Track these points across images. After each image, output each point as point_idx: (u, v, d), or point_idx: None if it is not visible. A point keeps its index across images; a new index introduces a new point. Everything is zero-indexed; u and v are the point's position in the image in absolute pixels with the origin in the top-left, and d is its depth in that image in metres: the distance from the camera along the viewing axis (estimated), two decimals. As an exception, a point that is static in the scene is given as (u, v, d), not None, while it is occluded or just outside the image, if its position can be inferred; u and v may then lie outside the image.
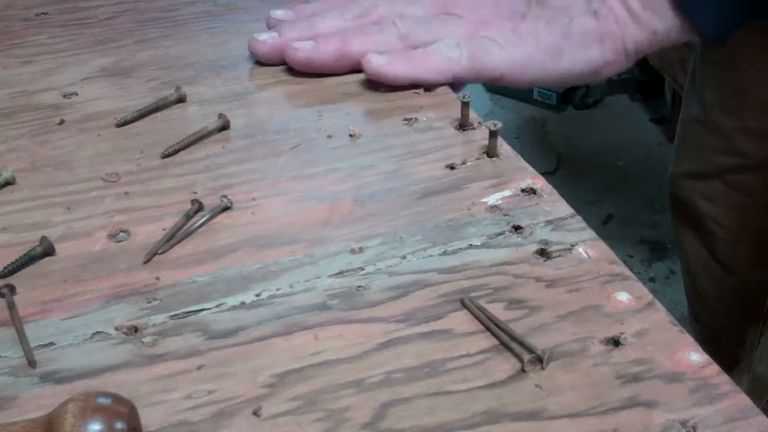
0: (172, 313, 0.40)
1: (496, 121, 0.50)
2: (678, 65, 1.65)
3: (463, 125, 0.53)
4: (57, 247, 0.44)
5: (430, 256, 0.43)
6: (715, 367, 0.36)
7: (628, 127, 2.18)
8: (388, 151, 0.51)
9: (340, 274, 0.42)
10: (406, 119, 0.54)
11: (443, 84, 0.57)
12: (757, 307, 0.92)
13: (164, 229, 0.45)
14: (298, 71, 0.60)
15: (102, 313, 0.40)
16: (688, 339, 0.37)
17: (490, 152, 0.50)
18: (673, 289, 1.68)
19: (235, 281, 0.42)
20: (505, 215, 0.45)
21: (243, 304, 0.40)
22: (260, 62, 0.62)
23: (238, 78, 0.60)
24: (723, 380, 0.35)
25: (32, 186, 0.49)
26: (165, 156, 0.51)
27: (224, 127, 0.54)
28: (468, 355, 0.37)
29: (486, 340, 0.38)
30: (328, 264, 0.42)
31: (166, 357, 0.37)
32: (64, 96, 0.58)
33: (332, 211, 0.46)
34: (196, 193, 0.48)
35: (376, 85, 0.58)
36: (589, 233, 0.44)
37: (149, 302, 0.40)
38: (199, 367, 0.37)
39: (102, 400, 0.31)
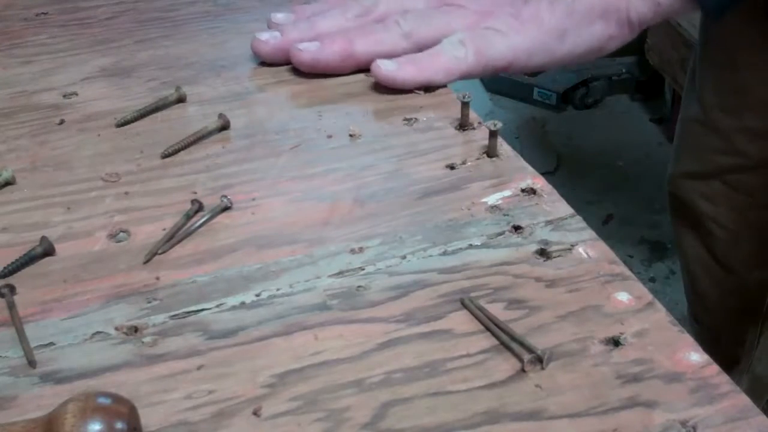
0: (172, 313, 0.40)
1: (496, 121, 0.50)
2: (678, 65, 1.65)
3: (463, 125, 0.53)
4: (57, 247, 0.44)
5: (430, 256, 0.43)
6: (715, 367, 0.36)
7: (628, 127, 2.18)
8: (388, 151, 0.51)
9: (340, 274, 0.42)
10: (406, 119, 0.54)
11: (452, 82, 0.57)
12: (757, 307, 0.92)
13: (164, 229, 0.45)
14: (298, 71, 0.60)
15: (102, 313, 0.40)
16: (688, 339, 0.37)
17: (490, 152, 0.50)
18: (673, 289, 1.68)
19: (235, 281, 0.42)
20: (505, 215, 0.46)
21: (243, 304, 0.40)
22: (262, 62, 0.62)
23: (238, 78, 0.60)
24: (723, 380, 0.35)
25: (32, 186, 0.49)
26: (165, 156, 0.51)
27: (224, 127, 0.54)
28: (468, 355, 0.37)
29: (486, 340, 0.38)
30: (328, 264, 0.42)
31: (166, 357, 0.37)
32: (64, 96, 0.58)
33: (332, 211, 0.46)
34: (196, 193, 0.48)
35: (376, 85, 0.58)
36: (589, 233, 0.44)
37: (149, 302, 0.40)
38: (199, 367, 0.37)
39: (102, 400, 0.31)
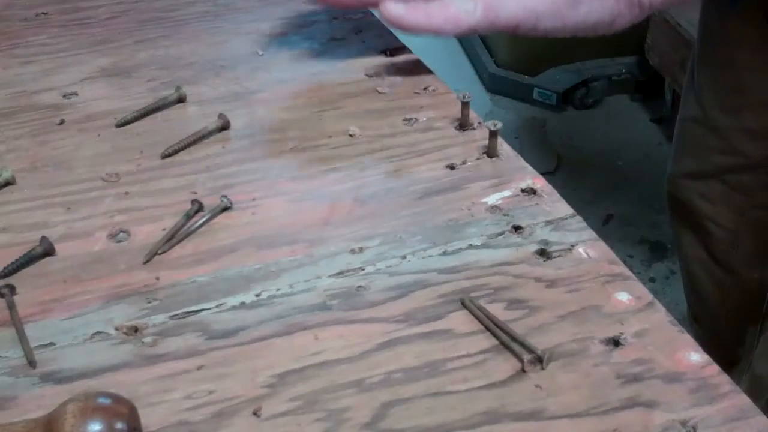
0: (172, 313, 0.40)
1: (496, 121, 0.50)
2: (678, 65, 1.65)
3: (463, 125, 0.53)
4: (57, 247, 0.44)
5: (430, 256, 0.43)
6: (715, 367, 0.36)
7: (628, 127, 2.18)
8: (388, 151, 0.51)
9: (340, 274, 0.42)
10: (406, 119, 0.54)
11: (458, 35, 0.56)
12: (757, 307, 0.92)
13: (164, 229, 0.45)
14: (298, 71, 0.60)
15: (102, 313, 0.40)
16: (688, 339, 0.37)
17: (490, 152, 0.50)
18: (673, 289, 1.67)
19: (235, 281, 0.42)
20: (505, 215, 0.46)
21: (243, 304, 0.40)
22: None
23: (238, 78, 0.60)
24: (723, 380, 0.35)
25: (32, 186, 0.49)
26: (165, 156, 0.51)
27: (224, 127, 0.54)
28: (468, 355, 0.37)
29: (486, 340, 0.38)
30: (328, 264, 0.42)
31: (166, 357, 0.37)
32: (64, 96, 0.58)
33: (332, 211, 0.46)
34: (196, 193, 0.48)
35: (376, 85, 0.58)
36: (589, 233, 0.44)
37: (149, 302, 0.40)
38: (199, 367, 0.37)
39: (102, 400, 0.31)
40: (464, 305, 0.39)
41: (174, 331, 0.39)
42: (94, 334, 0.39)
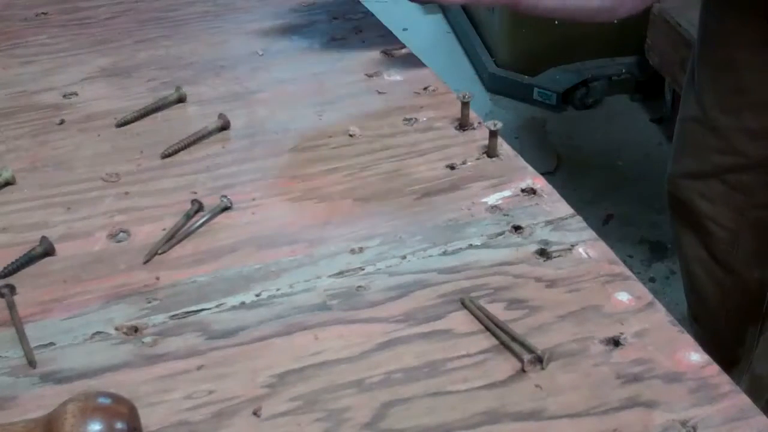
0: (172, 313, 0.40)
1: (496, 121, 0.50)
2: (678, 65, 1.65)
3: (463, 125, 0.53)
4: (57, 247, 0.44)
5: (430, 256, 0.43)
6: (715, 367, 0.36)
7: (628, 127, 2.18)
8: (388, 151, 0.51)
9: (340, 274, 0.42)
10: (406, 119, 0.54)
11: (463, 4, 0.56)
12: (757, 307, 0.92)
13: (164, 229, 0.45)
14: (298, 72, 0.60)
15: (102, 313, 0.40)
16: (688, 339, 0.37)
17: (490, 152, 0.50)
18: (673, 289, 1.67)
19: (235, 281, 0.41)
20: (505, 215, 0.45)
21: (243, 304, 0.40)
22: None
23: (238, 78, 0.60)
24: (723, 380, 0.35)
25: (32, 186, 0.49)
26: (165, 156, 0.51)
27: (224, 127, 0.54)
28: (468, 355, 0.37)
29: (486, 340, 0.38)
30: (328, 264, 0.42)
31: (166, 357, 0.37)
32: (64, 96, 0.58)
33: (332, 211, 0.46)
34: (196, 193, 0.48)
35: (376, 85, 0.58)
36: (589, 233, 0.44)
37: (149, 302, 0.40)
38: (199, 367, 0.37)
39: (102, 400, 0.31)
40: (464, 305, 0.39)
41: (174, 331, 0.39)
42: (94, 334, 0.39)
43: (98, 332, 0.39)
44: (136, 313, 0.40)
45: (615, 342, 0.37)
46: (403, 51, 0.63)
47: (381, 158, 0.51)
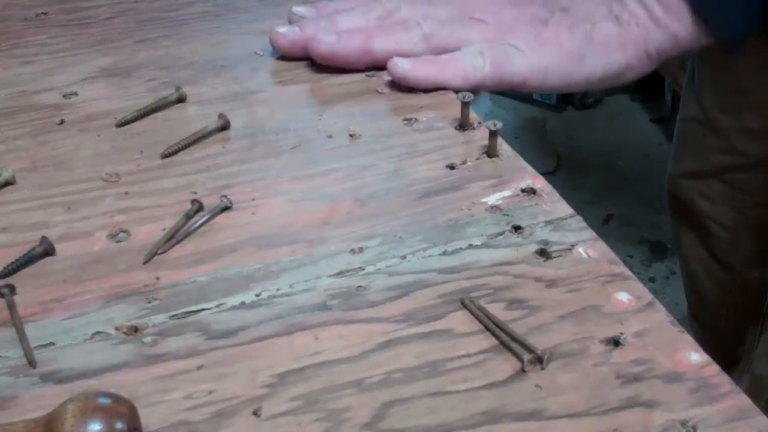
0: (172, 313, 0.40)
1: (496, 121, 0.50)
2: (678, 65, 1.65)
3: (463, 125, 0.53)
4: (57, 247, 0.44)
5: (430, 256, 0.43)
6: (715, 367, 0.36)
7: (628, 127, 2.18)
8: (388, 151, 0.51)
9: (340, 274, 0.42)
10: (406, 119, 0.54)
11: (466, 90, 0.57)
12: (757, 306, 0.92)
13: (164, 229, 0.45)
14: (298, 71, 0.60)
15: (102, 313, 0.40)
16: (688, 339, 0.37)
17: (490, 152, 0.50)
18: (673, 289, 1.67)
19: (235, 281, 0.42)
20: (505, 215, 0.46)
21: (243, 304, 0.40)
22: (280, 56, 0.62)
23: (238, 78, 0.60)
24: (723, 380, 0.35)
25: (32, 186, 0.49)
26: (165, 156, 0.51)
27: (224, 127, 0.54)
28: (468, 355, 0.37)
29: (486, 340, 0.38)
30: (328, 264, 0.42)
31: (166, 357, 0.37)
32: (64, 96, 0.58)
33: (332, 211, 0.46)
34: (196, 193, 0.48)
35: (376, 85, 0.58)
36: (589, 233, 0.44)
37: (149, 302, 0.40)
38: (199, 367, 0.37)
39: (102, 400, 0.31)
40: (464, 305, 0.39)
41: (174, 331, 0.39)
42: (94, 334, 0.39)
43: (98, 332, 0.39)
44: (136, 313, 0.40)
45: (615, 342, 0.37)
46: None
47: (381, 158, 0.51)
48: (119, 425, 0.30)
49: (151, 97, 0.57)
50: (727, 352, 1.00)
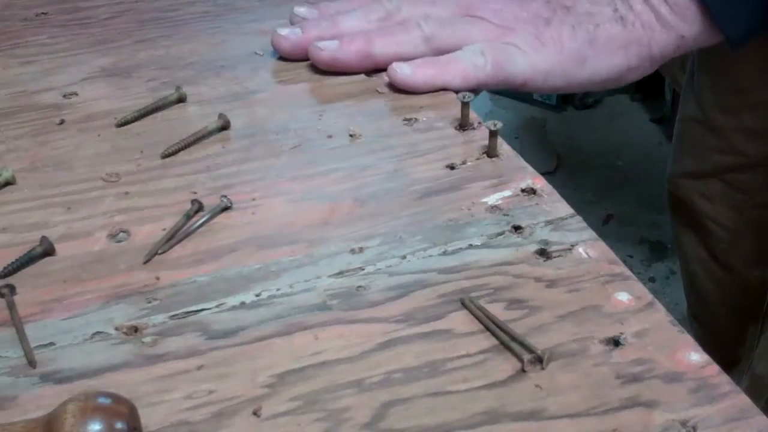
0: (172, 313, 0.40)
1: (496, 121, 0.50)
2: (678, 65, 1.65)
3: (463, 125, 0.53)
4: (57, 247, 0.44)
5: (430, 256, 0.43)
6: (715, 367, 0.36)
7: (628, 127, 2.18)
8: (388, 151, 0.51)
9: (340, 274, 0.42)
10: (406, 119, 0.54)
11: (467, 90, 0.57)
12: (757, 306, 0.92)
13: (164, 229, 0.45)
14: (299, 71, 0.60)
15: (102, 313, 0.40)
16: (688, 339, 0.37)
17: (490, 152, 0.50)
18: (673, 289, 1.68)
19: (235, 281, 0.42)
20: (505, 215, 0.46)
21: (243, 304, 0.40)
22: (280, 57, 0.62)
23: (238, 78, 0.60)
24: (723, 380, 0.35)
25: (32, 186, 0.49)
26: (165, 156, 0.51)
27: (224, 127, 0.54)
28: (468, 355, 0.37)
29: (486, 340, 0.38)
30: (328, 264, 0.42)
31: (166, 357, 0.37)
32: (64, 96, 0.58)
33: (332, 211, 0.46)
34: (196, 193, 0.48)
35: (377, 85, 0.58)
36: (589, 233, 0.44)
37: (149, 302, 0.40)
38: (199, 367, 0.37)
39: (102, 400, 0.31)
40: (464, 305, 0.39)
41: (174, 331, 0.39)
42: (94, 334, 0.39)
43: (98, 332, 0.39)
44: (136, 313, 0.40)
45: (615, 342, 0.37)
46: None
47: (381, 158, 0.51)
48: (119, 425, 0.30)
49: (151, 97, 0.57)
50: (727, 352, 1.00)
